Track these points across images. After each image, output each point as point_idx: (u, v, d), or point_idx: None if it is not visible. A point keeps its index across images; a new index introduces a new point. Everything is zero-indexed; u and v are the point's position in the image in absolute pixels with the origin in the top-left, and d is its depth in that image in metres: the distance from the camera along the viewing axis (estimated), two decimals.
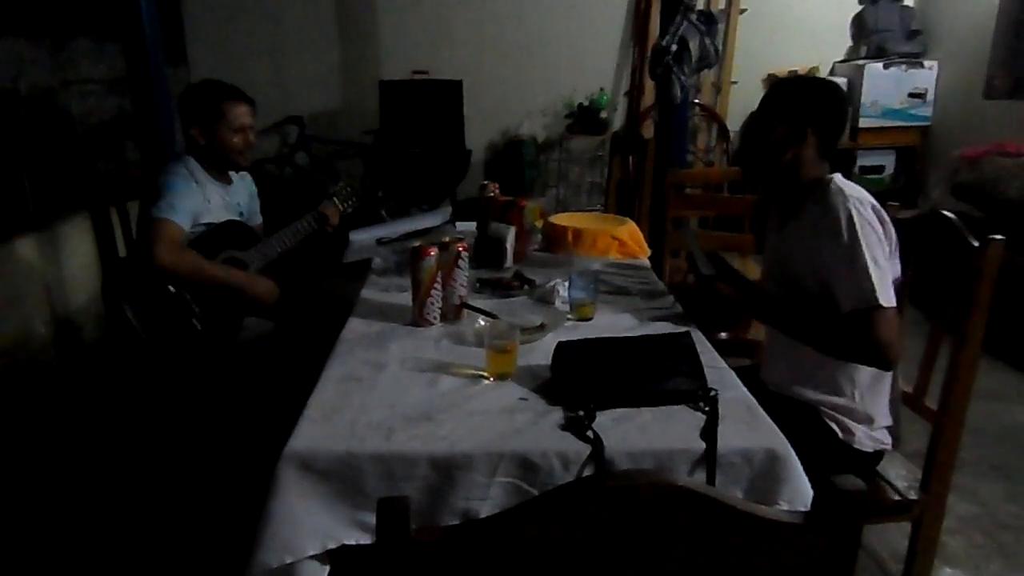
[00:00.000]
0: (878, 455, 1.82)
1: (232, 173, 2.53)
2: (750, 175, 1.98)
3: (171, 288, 2.19)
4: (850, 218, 1.65)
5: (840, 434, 1.76)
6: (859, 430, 1.77)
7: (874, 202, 1.71)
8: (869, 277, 1.60)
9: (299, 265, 2.59)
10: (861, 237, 1.63)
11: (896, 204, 2.00)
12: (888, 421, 1.81)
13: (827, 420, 1.78)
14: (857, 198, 1.69)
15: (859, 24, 5.67)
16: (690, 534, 0.77)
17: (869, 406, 1.77)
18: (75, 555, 2.24)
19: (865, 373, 1.76)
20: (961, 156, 4.35)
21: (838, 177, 1.77)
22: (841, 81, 5.57)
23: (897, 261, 1.73)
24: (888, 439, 1.81)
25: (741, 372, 1.69)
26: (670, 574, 0.79)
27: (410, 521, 0.71)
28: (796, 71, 5.76)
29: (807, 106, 1.78)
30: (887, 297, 1.60)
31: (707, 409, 1.41)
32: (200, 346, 2.22)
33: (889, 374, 1.78)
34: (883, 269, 1.63)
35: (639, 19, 5.76)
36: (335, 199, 2.55)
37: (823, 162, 1.81)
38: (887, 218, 1.70)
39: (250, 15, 5.64)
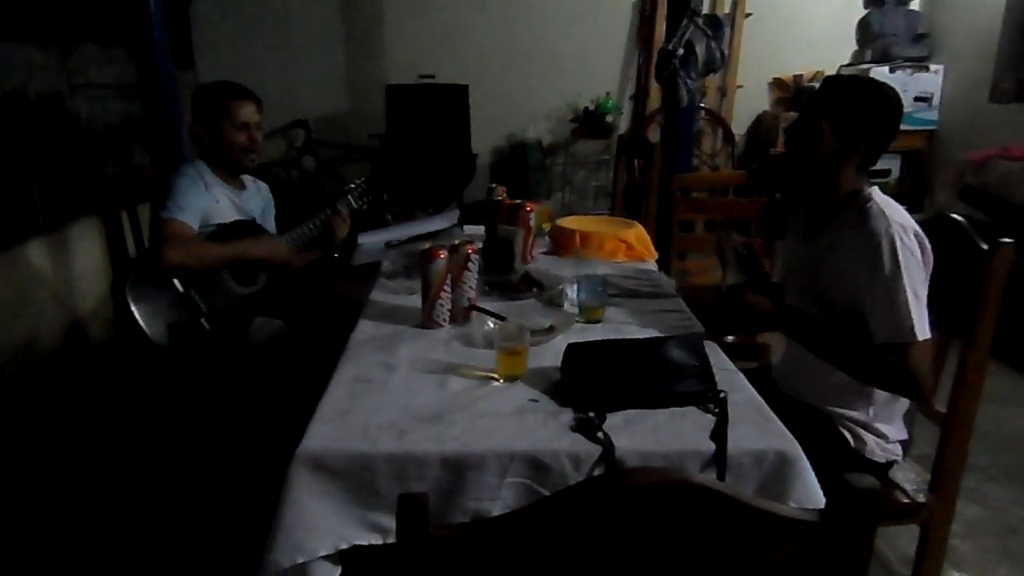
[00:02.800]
0: (888, 464, 1.81)
1: (248, 180, 2.54)
2: (785, 178, 1.88)
3: (179, 288, 2.20)
4: (893, 247, 1.57)
5: (852, 442, 1.75)
6: (871, 440, 1.76)
7: (916, 227, 1.63)
8: (908, 312, 1.55)
9: (310, 268, 2.59)
10: (903, 269, 1.56)
11: (909, 210, 1.99)
12: (902, 436, 1.79)
13: (839, 427, 1.77)
14: (900, 224, 1.60)
15: (864, 28, 5.67)
16: (705, 532, 0.77)
17: (882, 423, 1.76)
18: (86, 557, 2.24)
19: (882, 393, 1.73)
20: (967, 160, 4.34)
21: (876, 193, 1.69)
22: None
23: (928, 281, 1.64)
24: (899, 451, 1.80)
25: (750, 374, 1.68)
26: (684, 572, 0.80)
27: (429, 517, 0.71)
28: (801, 75, 5.77)
29: (863, 117, 1.67)
30: (924, 331, 1.56)
31: (717, 411, 1.41)
32: (209, 346, 2.23)
33: None
34: (922, 301, 1.58)
35: (645, 23, 5.78)
36: (350, 197, 2.56)
37: (863, 174, 1.73)
38: (927, 243, 1.63)
39: (257, 19, 5.67)
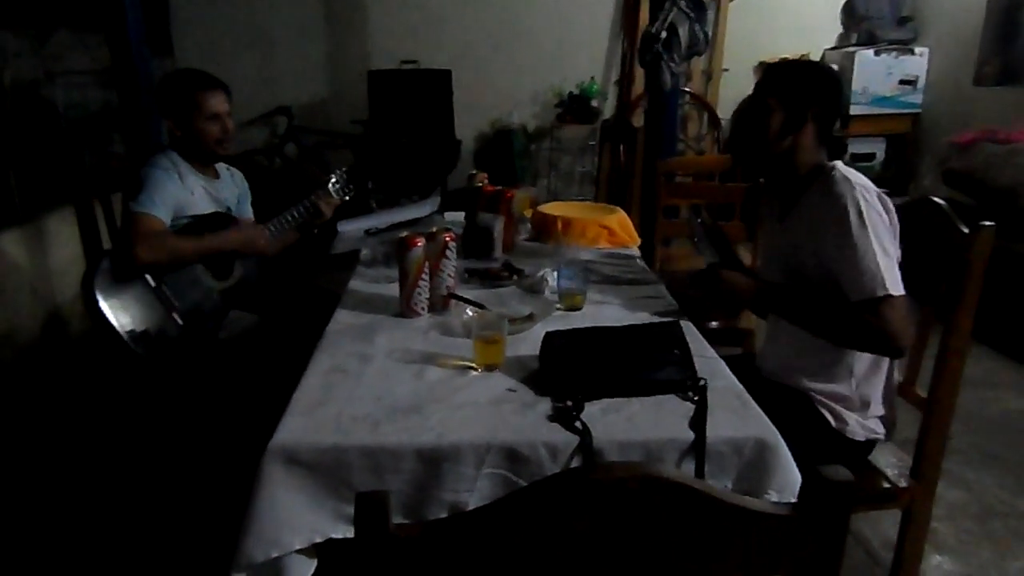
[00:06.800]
0: (870, 444, 1.81)
1: (222, 168, 2.50)
2: (746, 163, 1.93)
3: (151, 283, 2.16)
4: (858, 207, 1.61)
5: (833, 422, 1.75)
6: (852, 419, 1.76)
7: (878, 190, 1.68)
8: (878, 266, 1.57)
9: (286, 258, 2.56)
10: (869, 226, 1.59)
11: (887, 191, 1.98)
12: (882, 410, 1.80)
13: (820, 408, 1.77)
14: (863, 186, 1.65)
15: (849, 11, 5.65)
16: (677, 526, 0.76)
17: (865, 393, 1.76)
18: (60, 547, 2.22)
19: (863, 361, 1.74)
20: (951, 143, 4.34)
21: (840, 164, 1.73)
22: None
23: (899, 248, 1.68)
24: (881, 429, 1.80)
25: (733, 361, 1.67)
26: (657, 566, 0.78)
27: (390, 516, 0.69)
28: (787, 58, 5.74)
29: (806, 89, 1.74)
30: (896, 286, 1.58)
31: (696, 399, 1.40)
32: (182, 342, 2.19)
33: (886, 362, 1.77)
34: (891, 257, 1.60)
35: (629, 6, 5.73)
36: (332, 187, 2.51)
37: (821, 148, 1.77)
38: (891, 206, 1.67)
39: (237, 5, 5.58)
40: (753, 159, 1.86)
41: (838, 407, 1.76)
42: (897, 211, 1.68)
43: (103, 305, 2.08)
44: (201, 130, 2.30)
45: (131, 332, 2.11)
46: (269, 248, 2.41)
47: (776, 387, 1.80)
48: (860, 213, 1.60)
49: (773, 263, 1.93)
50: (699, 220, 2.05)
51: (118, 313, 2.10)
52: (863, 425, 1.77)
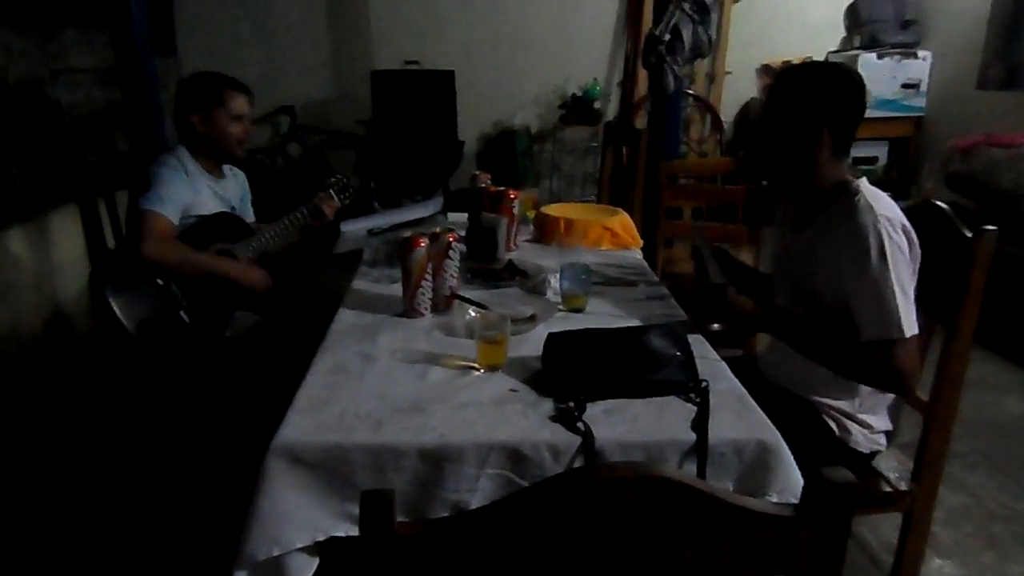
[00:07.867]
0: (873, 455, 1.80)
1: (226, 168, 2.51)
2: (760, 172, 1.89)
3: (159, 280, 2.17)
4: (880, 243, 1.55)
5: (836, 431, 1.75)
6: (856, 430, 1.75)
7: (904, 220, 1.60)
8: (896, 308, 1.54)
9: (288, 257, 2.56)
10: (891, 265, 1.54)
11: (889, 195, 1.98)
12: (886, 426, 1.79)
13: (824, 416, 1.76)
14: (888, 218, 1.57)
15: (853, 14, 5.66)
16: (679, 527, 0.76)
17: (867, 414, 1.75)
18: (63, 544, 2.23)
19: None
20: (954, 147, 4.34)
21: (864, 185, 1.66)
22: None
23: (916, 276, 1.64)
24: (884, 441, 1.79)
25: (735, 363, 1.67)
26: (659, 566, 0.79)
27: (395, 514, 0.70)
28: (790, 61, 5.74)
29: (822, 101, 1.64)
30: (911, 326, 1.55)
31: (698, 400, 1.40)
32: (189, 339, 2.20)
33: None
34: (909, 296, 1.56)
35: (632, 8, 5.74)
36: (331, 191, 2.52)
37: (840, 160, 1.70)
38: (915, 237, 1.61)
39: (241, 4, 5.60)
40: (766, 169, 1.82)
41: (842, 419, 1.75)
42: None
43: (112, 303, 2.09)
44: (223, 126, 2.33)
45: (138, 330, 2.11)
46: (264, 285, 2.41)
47: (780, 392, 1.80)
48: (882, 250, 1.55)
49: (779, 271, 1.92)
50: (704, 240, 2.02)
51: (125, 311, 2.11)
52: (867, 437, 1.76)
